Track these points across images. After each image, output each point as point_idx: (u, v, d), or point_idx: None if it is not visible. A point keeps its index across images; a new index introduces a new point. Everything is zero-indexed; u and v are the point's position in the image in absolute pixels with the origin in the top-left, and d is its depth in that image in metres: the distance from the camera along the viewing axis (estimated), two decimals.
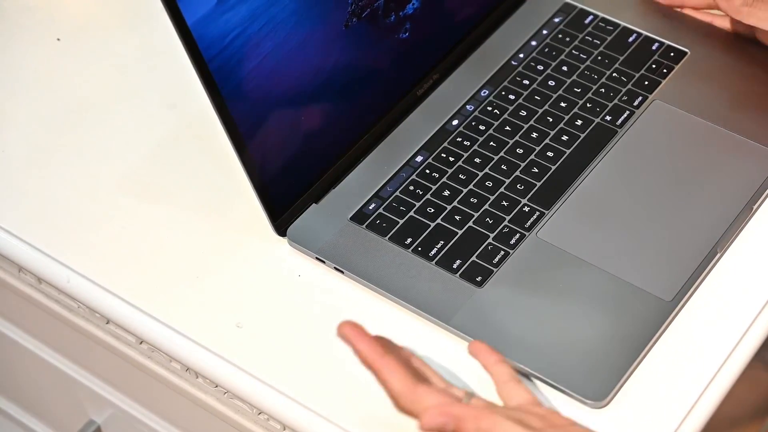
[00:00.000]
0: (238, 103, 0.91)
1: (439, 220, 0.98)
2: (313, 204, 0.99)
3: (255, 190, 0.94)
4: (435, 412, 0.81)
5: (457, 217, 0.98)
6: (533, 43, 1.11)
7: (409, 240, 0.96)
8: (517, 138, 1.04)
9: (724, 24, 1.11)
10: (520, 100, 1.07)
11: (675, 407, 0.88)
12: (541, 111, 1.06)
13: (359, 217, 0.98)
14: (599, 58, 1.10)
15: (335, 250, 0.96)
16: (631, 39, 1.11)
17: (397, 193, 1.00)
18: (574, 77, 1.08)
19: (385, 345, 0.85)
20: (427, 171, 1.01)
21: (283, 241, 0.97)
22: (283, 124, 0.96)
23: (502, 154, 1.02)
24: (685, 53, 1.10)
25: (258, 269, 0.96)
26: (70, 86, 1.11)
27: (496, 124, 1.05)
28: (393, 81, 1.05)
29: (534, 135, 1.04)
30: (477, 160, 1.02)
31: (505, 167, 1.01)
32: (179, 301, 0.95)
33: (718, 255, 0.95)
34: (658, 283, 0.93)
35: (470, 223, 0.97)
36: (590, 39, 1.11)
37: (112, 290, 0.96)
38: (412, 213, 0.98)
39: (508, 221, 0.98)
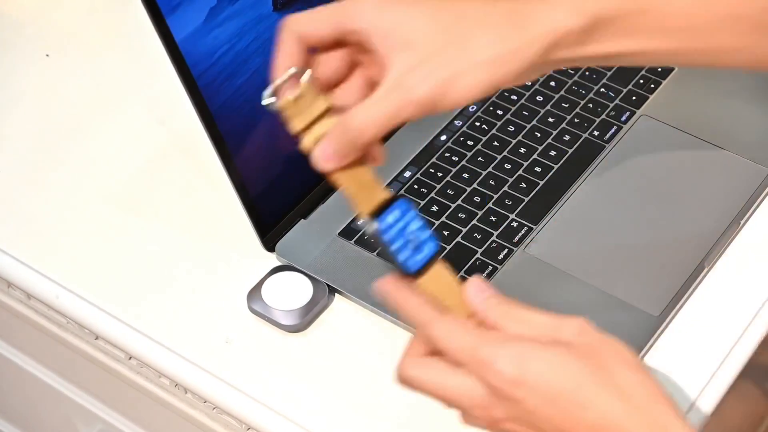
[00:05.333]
0: (227, 119, 0.92)
1: None
2: (302, 220, 0.99)
3: (243, 206, 0.94)
4: None
5: (445, 233, 0.98)
6: None
7: None
8: (505, 153, 1.04)
9: None
10: (508, 116, 1.07)
11: None
12: (528, 126, 1.06)
13: (348, 233, 0.98)
14: (587, 73, 1.10)
15: (324, 266, 0.96)
16: None
17: None
18: (562, 92, 1.09)
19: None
20: (415, 186, 1.01)
21: (271, 257, 0.98)
22: (272, 140, 0.96)
23: (490, 169, 1.03)
24: (672, 68, 1.10)
25: (247, 285, 0.96)
26: (58, 102, 1.11)
27: (484, 139, 1.05)
28: None
29: (522, 150, 1.04)
30: (465, 175, 1.02)
31: (493, 182, 1.02)
32: (168, 316, 0.95)
33: (706, 270, 0.96)
34: (645, 298, 0.94)
35: (458, 239, 0.98)
36: None
37: (101, 306, 0.96)
38: None
39: (497, 236, 0.98)
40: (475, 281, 0.74)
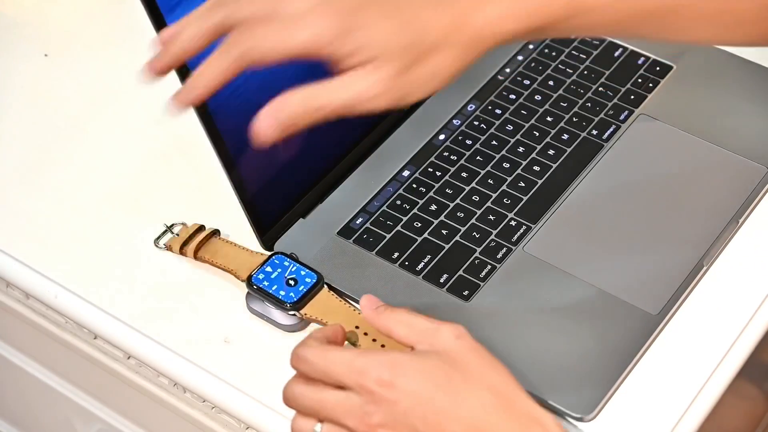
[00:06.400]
0: (225, 119, 0.91)
1: (426, 235, 0.98)
2: (301, 219, 0.99)
3: (242, 205, 0.94)
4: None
5: (444, 232, 0.98)
6: (519, 57, 1.12)
7: (396, 254, 0.97)
8: (503, 152, 1.04)
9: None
10: (507, 115, 1.07)
11: (662, 421, 0.88)
12: (527, 125, 1.06)
13: (346, 232, 0.98)
14: (585, 72, 1.10)
15: (322, 265, 0.96)
16: (617, 53, 1.12)
17: (384, 207, 1.00)
18: (560, 91, 1.09)
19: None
20: (414, 185, 1.01)
21: None
22: None
23: (488, 168, 1.03)
24: (670, 67, 1.10)
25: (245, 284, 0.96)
26: (57, 102, 1.11)
27: (483, 138, 1.05)
28: None
29: (520, 149, 1.04)
30: (464, 174, 1.02)
31: (491, 181, 1.02)
32: (167, 315, 0.95)
33: (705, 269, 0.96)
34: (644, 296, 0.94)
35: (457, 238, 0.98)
36: (576, 53, 1.12)
37: (99, 306, 0.96)
38: (399, 227, 0.98)
39: (495, 235, 0.98)
40: (367, 296, 0.82)
